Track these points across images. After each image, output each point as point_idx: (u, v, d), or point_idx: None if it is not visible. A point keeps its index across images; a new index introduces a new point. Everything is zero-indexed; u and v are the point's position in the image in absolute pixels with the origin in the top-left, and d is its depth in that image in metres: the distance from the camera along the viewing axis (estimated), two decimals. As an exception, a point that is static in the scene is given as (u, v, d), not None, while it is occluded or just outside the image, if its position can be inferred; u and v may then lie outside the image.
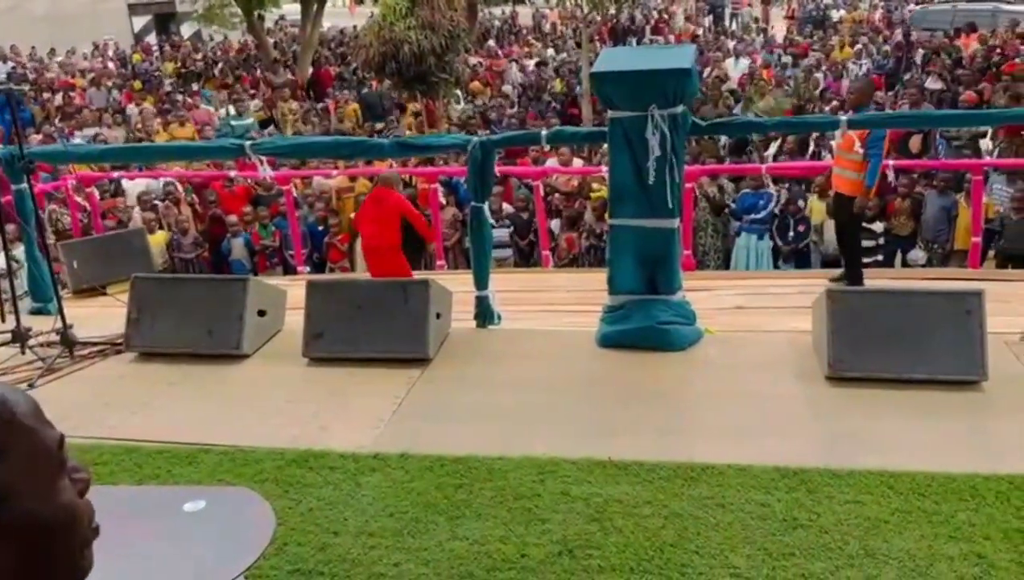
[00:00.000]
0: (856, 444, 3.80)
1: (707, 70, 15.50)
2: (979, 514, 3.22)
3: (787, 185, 8.78)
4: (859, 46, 18.14)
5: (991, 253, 7.93)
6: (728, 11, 28.07)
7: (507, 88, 16.87)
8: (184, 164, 9.98)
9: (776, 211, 8.42)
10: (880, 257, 8.11)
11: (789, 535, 3.14)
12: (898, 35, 18.62)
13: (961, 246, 7.94)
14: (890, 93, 13.49)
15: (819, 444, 3.84)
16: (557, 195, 9.25)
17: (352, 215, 9.30)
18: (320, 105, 15.90)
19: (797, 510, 3.29)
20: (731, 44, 20.15)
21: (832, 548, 3.06)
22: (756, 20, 25.98)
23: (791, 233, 8.36)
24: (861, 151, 6.32)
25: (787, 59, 17.48)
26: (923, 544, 3.06)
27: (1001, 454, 3.65)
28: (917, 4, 24.19)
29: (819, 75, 15.14)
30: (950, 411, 4.08)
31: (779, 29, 24.21)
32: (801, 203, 8.47)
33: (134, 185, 10.14)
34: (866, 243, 7.63)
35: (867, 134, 6.21)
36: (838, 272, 7.00)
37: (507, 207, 9.17)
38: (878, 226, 8.13)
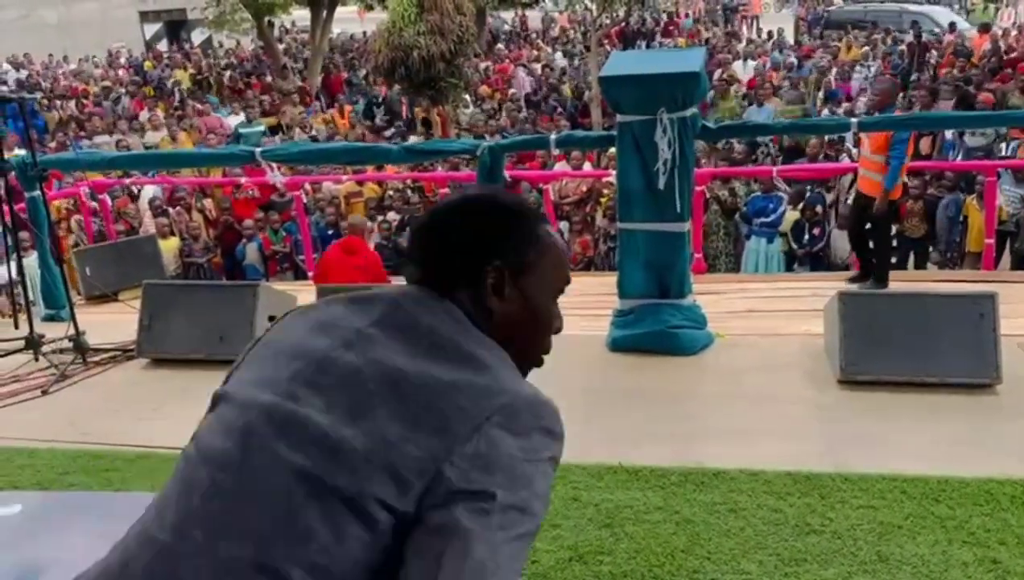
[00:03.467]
0: (868, 448, 3.78)
1: (717, 72, 15.53)
2: (994, 519, 3.19)
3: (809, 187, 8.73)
4: (815, 46, 18.50)
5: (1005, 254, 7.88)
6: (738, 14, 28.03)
7: (513, 92, 16.88)
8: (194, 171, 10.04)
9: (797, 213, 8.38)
10: (893, 259, 8.07)
11: (801, 540, 3.12)
12: (909, 36, 18.60)
13: (974, 248, 7.89)
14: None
15: (831, 448, 3.82)
16: (567, 204, 9.25)
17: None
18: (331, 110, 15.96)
19: (809, 515, 3.27)
20: (741, 47, 20.16)
21: (845, 554, 3.04)
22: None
23: (806, 237, 8.32)
24: (879, 159, 6.24)
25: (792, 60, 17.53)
26: (937, 549, 3.03)
27: (1015, 458, 3.61)
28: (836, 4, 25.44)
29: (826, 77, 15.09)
30: (963, 414, 4.04)
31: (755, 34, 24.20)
32: (819, 208, 8.42)
33: (144, 191, 10.21)
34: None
35: (891, 135, 6.15)
36: (851, 274, 6.95)
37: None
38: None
